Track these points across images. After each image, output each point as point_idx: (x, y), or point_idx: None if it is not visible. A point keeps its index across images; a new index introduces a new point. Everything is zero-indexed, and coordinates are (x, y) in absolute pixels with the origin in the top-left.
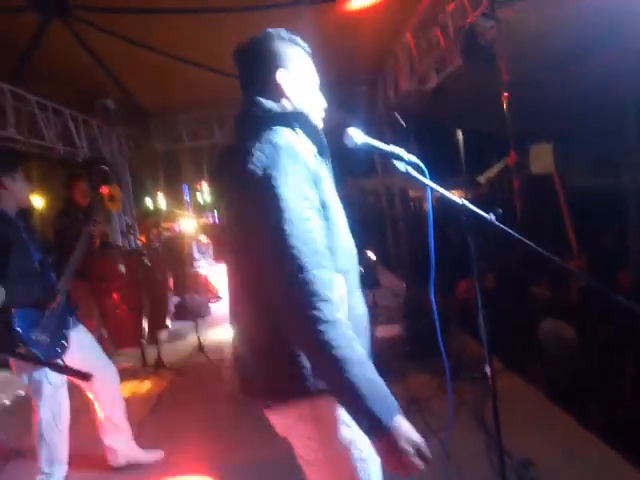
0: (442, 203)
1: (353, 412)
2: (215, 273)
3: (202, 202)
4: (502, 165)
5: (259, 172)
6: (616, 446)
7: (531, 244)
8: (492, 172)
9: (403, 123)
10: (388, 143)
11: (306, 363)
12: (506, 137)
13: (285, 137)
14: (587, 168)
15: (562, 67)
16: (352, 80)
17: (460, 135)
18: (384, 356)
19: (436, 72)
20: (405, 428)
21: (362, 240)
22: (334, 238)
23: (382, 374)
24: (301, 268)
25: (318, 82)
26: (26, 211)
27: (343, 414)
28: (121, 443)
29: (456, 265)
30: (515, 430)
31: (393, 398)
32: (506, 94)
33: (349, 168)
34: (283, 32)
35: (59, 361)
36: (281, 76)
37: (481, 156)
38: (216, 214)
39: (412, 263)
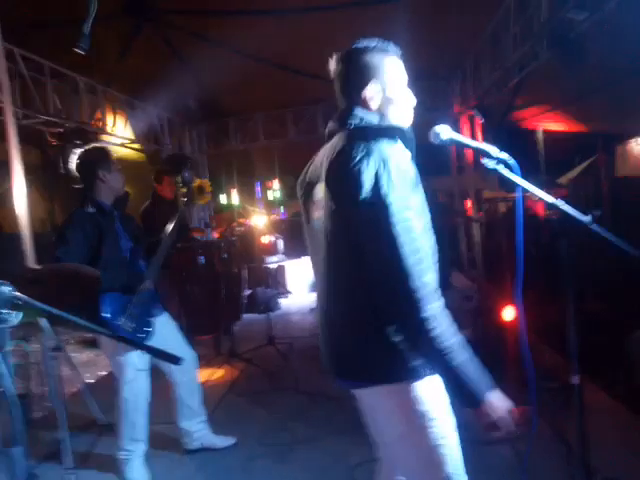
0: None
1: (458, 392)
2: (286, 268)
3: (273, 199)
4: (584, 166)
5: (373, 189)
6: None
7: (628, 247)
8: (573, 174)
9: (482, 120)
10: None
11: (400, 350)
12: (589, 136)
13: (389, 150)
14: None
15: None
16: (432, 76)
17: (540, 134)
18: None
19: (519, 68)
20: (497, 401)
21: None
22: (426, 240)
23: None
24: (412, 277)
25: (407, 80)
26: (122, 199)
27: (426, 393)
28: (196, 427)
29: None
30: (598, 446)
31: (487, 377)
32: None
33: (422, 166)
34: (375, 42)
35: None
36: (370, 90)
37: (563, 157)
38: (283, 210)
39: (485, 265)
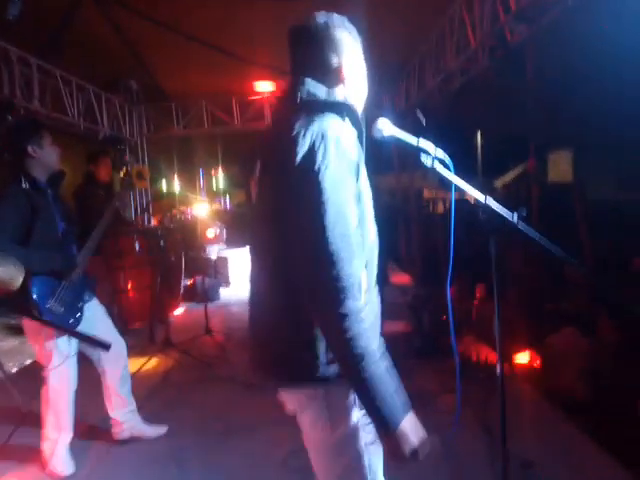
0: (461, 204)
1: (365, 406)
2: (227, 258)
3: (215, 188)
4: (519, 171)
5: (305, 161)
6: (620, 459)
7: (550, 244)
8: (508, 177)
9: (423, 120)
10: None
11: (323, 350)
12: (525, 142)
13: (334, 127)
14: (610, 180)
15: (591, 76)
16: (377, 72)
17: (479, 137)
18: (390, 352)
19: (461, 72)
20: (409, 430)
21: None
22: (363, 231)
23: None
24: (335, 264)
25: (365, 70)
26: (57, 176)
27: (354, 400)
28: (126, 416)
29: (472, 267)
30: (518, 433)
31: (404, 397)
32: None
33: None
34: (341, 18)
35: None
36: (342, 63)
37: (500, 160)
38: (228, 200)
39: (423, 262)
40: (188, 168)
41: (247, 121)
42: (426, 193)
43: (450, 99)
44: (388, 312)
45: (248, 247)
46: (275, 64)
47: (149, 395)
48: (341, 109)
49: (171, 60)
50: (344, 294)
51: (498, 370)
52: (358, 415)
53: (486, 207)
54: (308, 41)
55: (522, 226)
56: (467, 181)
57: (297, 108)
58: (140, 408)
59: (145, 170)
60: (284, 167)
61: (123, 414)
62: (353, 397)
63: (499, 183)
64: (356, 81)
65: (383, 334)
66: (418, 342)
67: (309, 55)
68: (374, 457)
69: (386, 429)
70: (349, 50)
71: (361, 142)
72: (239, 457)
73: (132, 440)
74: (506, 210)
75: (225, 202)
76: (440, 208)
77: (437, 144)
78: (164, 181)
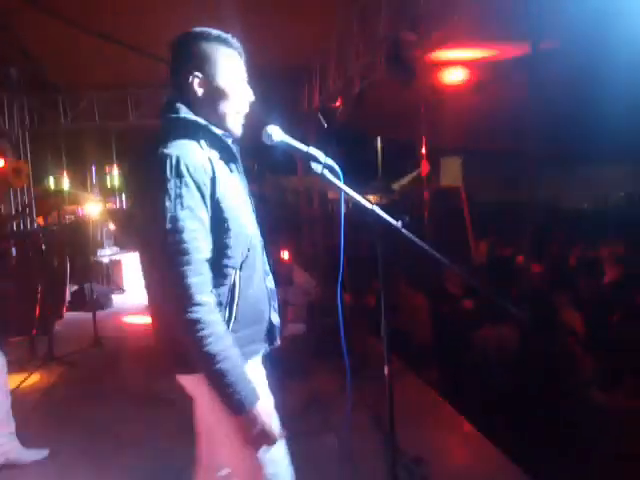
0: (358, 207)
1: (221, 396)
2: (121, 262)
3: (110, 186)
4: (414, 175)
5: (157, 179)
6: (510, 453)
7: (429, 249)
8: (405, 181)
9: (325, 124)
10: (309, 144)
11: None
12: (420, 148)
13: (177, 148)
14: (493, 183)
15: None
16: (279, 76)
17: (379, 142)
18: (290, 354)
19: (360, 79)
20: (258, 414)
21: (278, 238)
22: (231, 235)
23: (287, 371)
24: (180, 275)
25: (246, 78)
26: None
27: None
28: (2, 440)
29: (369, 268)
30: (410, 429)
31: (252, 387)
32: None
33: (270, 164)
34: (209, 31)
35: None
36: (194, 81)
37: (399, 164)
38: (124, 199)
39: (325, 263)
40: (79, 165)
41: (142, 116)
42: (330, 194)
43: (351, 104)
44: (290, 313)
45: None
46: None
47: (29, 415)
48: (197, 132)
49: (57, 49)
50: (187, 302)
51: (386, 370)
52: None
53: (373, 213)
54: (173, 55)
55: (405, 232)
56: (367, 184)
57: (161, 127)
58: (18, 430)
59: (24, 166)
60: (137, 191)
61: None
62: None
63: (397, 186)
64: (234, 97)
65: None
66: (316, 343)
67: (174, 70)
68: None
69: (239, 410)
70: (225, 65)
71: (232, 157)
72: (130, 472)
73: (6, 467)
74: (390, 217)
75: (120, 201)
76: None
77: (339, 148)
78: (51, 178)
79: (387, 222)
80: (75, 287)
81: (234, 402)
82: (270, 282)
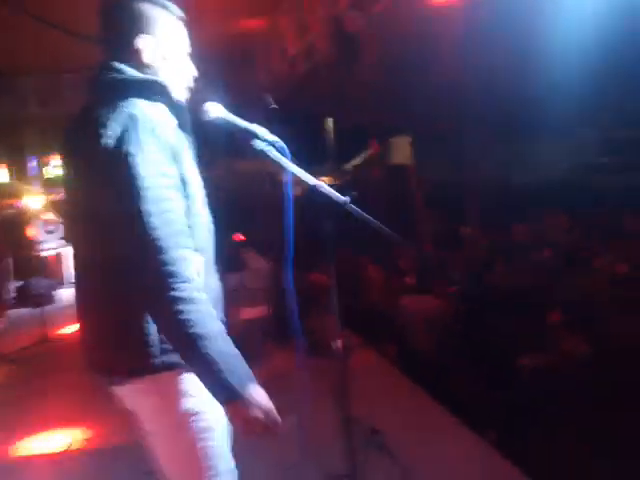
0: (306, 186)
1: (210, 384)
2: (66, 255)
3: (51, 177)
4: (366, 155)
5: (114, 147)
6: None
7: (379, 225)
8: (357, 161)
9: (274, 106)
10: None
11: (152, 340)
12: (374, 126)
13: (142, 108)
14: (442, 162)
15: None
16: (222, 57)
17: (330, 122)
18: (248, 337)
19: (306, 57)
20: (257, 397)
21: (232, 222)
22: (192, 216)
23: (245, 355)
24: (162, 249)
25: (189, 51)
26: None
27: (187, 387)
28: None
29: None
30: (367, 401)
31: (247, 368)
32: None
33: (223, 148)
34: None
35: None
36: (143, 42)
37: (351, 145)
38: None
39: (281, 246)
40: (16, 155)
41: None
42: (283, 177)
43: (297, 84)
44: (246, 297)
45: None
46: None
47: None
48: (149, 90)
49: None
50: (174, 278)
51: (339, 344)
52: (194, 401)
53: (319, 192)
54: (110, 17)
55: (353, 209)
56: (320, 165)
57: (102, 90)
58: None
59: None
60: (95, 157)
61: None
62: (185, 385)
63: (349, 167)
64: (173, 60)
65: (240, 320)
66: (274, 326)
67: (114, 33)
68: (218, 440)
69: (233, 400)
70: (162, 27)
71: (184, 125)
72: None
73: None
74: (338, 194)
75: (63, 192)
76: (298, 191)
77: (290, 129)
78: None
79: (334, 199)
80: (20, 283)
81: (230, 386)
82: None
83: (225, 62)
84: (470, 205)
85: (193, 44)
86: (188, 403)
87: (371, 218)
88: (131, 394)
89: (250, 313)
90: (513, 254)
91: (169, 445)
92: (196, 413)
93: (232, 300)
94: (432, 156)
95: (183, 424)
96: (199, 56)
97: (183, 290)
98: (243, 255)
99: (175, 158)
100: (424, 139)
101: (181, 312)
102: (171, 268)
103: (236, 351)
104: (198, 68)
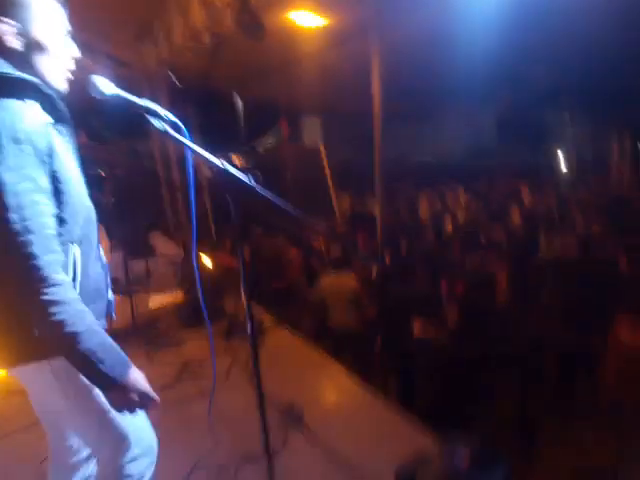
0: (209, 166)
1: (89, 376)
2: None
3: None
4: (275, 135)
5: None
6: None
7: (284, 205)
8: (267, 141)
9: (177, 83)
10: (160, 103)
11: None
12: (282, 108)
13: (8, 111)
14: (350, 142)
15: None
16: (118, 28)
17: (239, 101)
18: (159, 325)
19: (210, 32)
20: (133, 381)
21: (133, 206)
22: (68, 208)
23: (156, 343)
24: (29, 256)
25: (68, 29)
26: None
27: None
28: None
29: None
30: (282, 378)
31: (122, 356)
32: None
33: (117, 128)
34: None
35: None
36: (7, 32)
37: (260, 125)
38: None
39: (190, 229)
40: None
41: None
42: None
43: (202, 59)
44: (156, 284)
45: None
46: None
47: None
48: (16, 88)
49: None
50: (42, 283)
51: (248, 326)
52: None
53: (223, 171)
54: None
55: (258, 188)
56: (229, 145)
57: None
58: None
59: None
60: None
61: None
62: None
63: (260, 147)
64: (53, 50)
65: (149, 308)
66: (189, 311)
67: None
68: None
69: (111, 386)
70: (41, 13)
71: (61, 117)
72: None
73: None
74: (242, 174)
75: None
76: (206, 172)
77: (197, 108)
78: None
79: (239, 179)
80: None
81: (109, 376)
82: (103, 256)
83: (118, 34)
84: (375, 185)
85: (77, 14)
86: (79, 381)
87: (276, 198)
88: (27, 378)
89: (160, 300)
90: (417, 230)
91: (74, 419)
92: (91, 388)
93: (142, 287)
94: (341, 136)
95: (83, 398)
96: (86, 28)
97: (53, 294)
98: (152, 240)
99: (44, 159)
100: (333, 120)
101: (54, 314)
102: (41, 273)
103: (109, 342)
104: (83, 43)
